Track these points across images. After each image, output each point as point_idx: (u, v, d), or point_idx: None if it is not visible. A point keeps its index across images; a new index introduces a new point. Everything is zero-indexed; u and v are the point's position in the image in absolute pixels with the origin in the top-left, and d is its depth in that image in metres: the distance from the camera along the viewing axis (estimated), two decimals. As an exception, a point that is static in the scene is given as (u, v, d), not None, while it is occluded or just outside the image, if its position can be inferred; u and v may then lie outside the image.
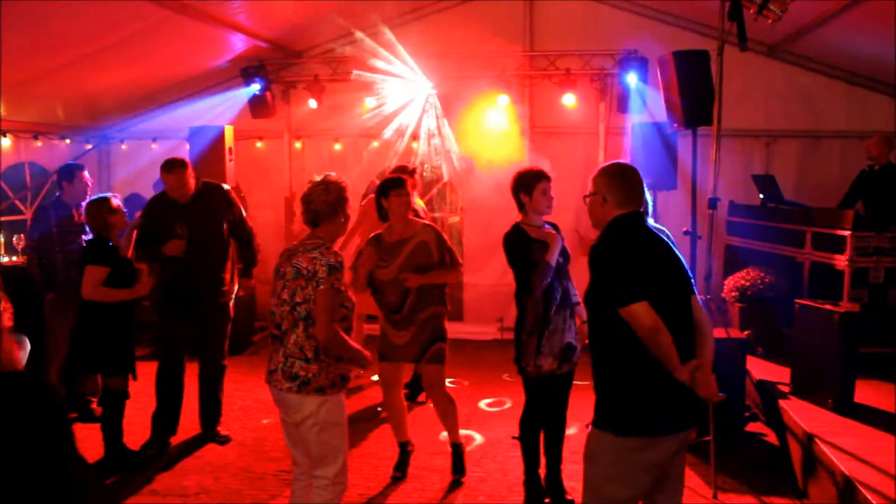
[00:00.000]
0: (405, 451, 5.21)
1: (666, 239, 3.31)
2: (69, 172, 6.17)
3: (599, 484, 3.12)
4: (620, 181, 3.22)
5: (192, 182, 5.46)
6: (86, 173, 6.20)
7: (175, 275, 5.51)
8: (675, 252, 3.23)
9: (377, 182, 6.92)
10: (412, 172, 6.71)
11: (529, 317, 4.43)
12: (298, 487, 3.90)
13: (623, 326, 2.96)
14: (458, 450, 5.16)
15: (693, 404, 3.10)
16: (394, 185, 4.91)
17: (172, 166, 5.39)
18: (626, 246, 3.10)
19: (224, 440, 5.74)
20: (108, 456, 5.17)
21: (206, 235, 5.48)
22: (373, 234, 5.04)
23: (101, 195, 5.16)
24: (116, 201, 5.10)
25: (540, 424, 4.65)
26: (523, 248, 4.39)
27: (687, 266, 3.30)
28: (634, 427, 2.99)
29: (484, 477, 5.17)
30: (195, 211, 5.47)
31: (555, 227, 4.55)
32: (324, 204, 3.72)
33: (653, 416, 2.99)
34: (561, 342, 4.42)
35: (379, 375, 5.16)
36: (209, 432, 5.76)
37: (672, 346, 2.92)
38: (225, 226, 5.63)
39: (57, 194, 6.30)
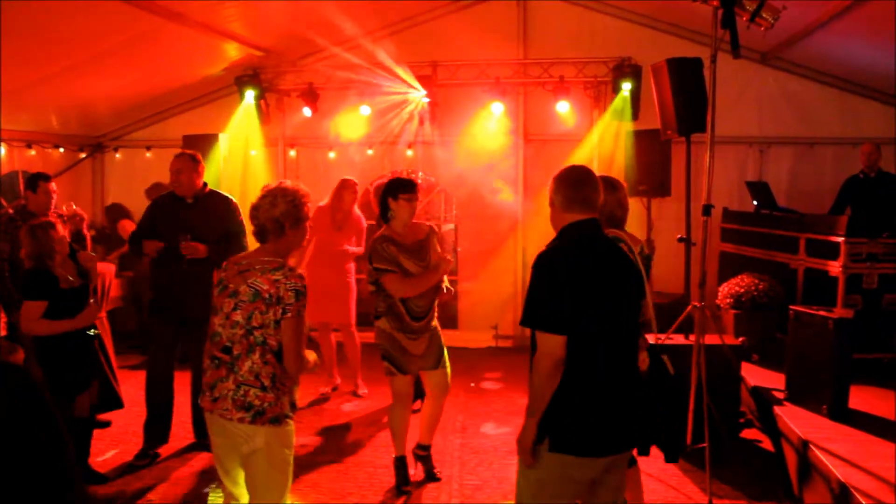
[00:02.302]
0: (405, 464, 5.12)
1: (625, 253, 3.17)
2: (32, 183, 5.96)
3: (527, 494, 3.07)
4: (566, 185, 3.10)
5: (196, 179, 5.45)
6: (52, 185, 5.97)
7: (163, 278, 5.46)
8: (628, 268, 3.10)
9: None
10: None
11: None
12: None
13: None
14: (429, 451, 5.26)
15: (632, 427, 3.05)
16: (404, 189, 4.81)
17: (182, 153, 5.51)
18: (560, 265, 2.93)
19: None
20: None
21: (198, 238, 5.36)
22: (382, 235, 4.83)
23: (47, 222, 4.80)
24: (59, 226, 4.80)
25: None
26: None
27: (643, 281, 3.18)
28: (565, 445, 2.92)
29: (479, 484, 5.16)
30: (194, 211, 5.44)
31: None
32: (269, 219, 3.37)
33: (584, 437, 2.93)
34: None
35: (396, 389, 4.96)
36: (202, 441, 5.73)
37: (548, 397, 2.88)
38: (220, 235, 5.48)
39: (23, 204, 6.12)
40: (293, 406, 3.48)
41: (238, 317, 3.33)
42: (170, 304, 5.50)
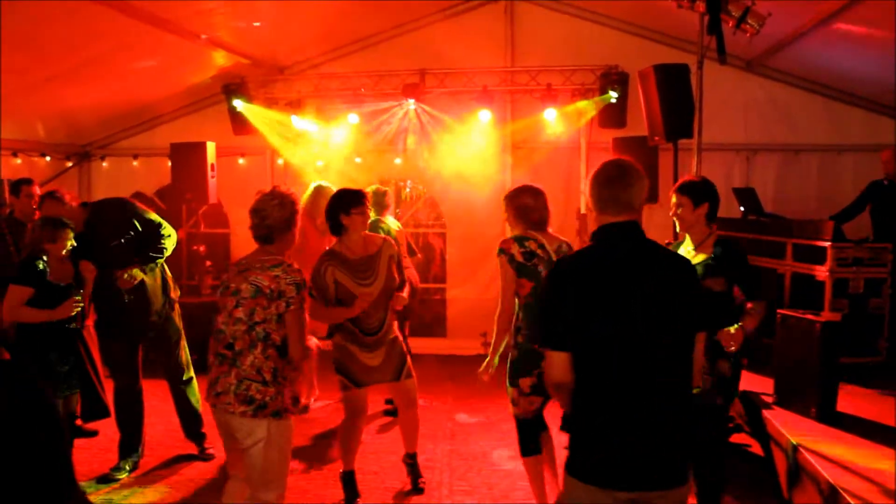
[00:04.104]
0: (354, 477, 4.97)
1: (672, 262, 2.77)
2: (15, 188, 6.05)
3: None
4: (597, 184, 2.81)
5: (73, 213, 5.15)
6: (34, 188, 6.01)
7: (111, 307, 5.37)
8: (666, 278, 2.66)
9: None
10: (383, 194, 6.71)
11: None
12: (233, 488, 3.86)
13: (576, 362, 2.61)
14: (416, 458, 5.21)
15: (658, 466, 2.61)
16: (355, 202, 4.64)
17: (45, 199, 5.24)
18: (564, 277, 2.68)
19: (208, 457, 5.67)
20: None
21: (109, 261, 5.18)
22: (327, 251, 4.77)
23: (54, 219, 4.88)
24: (66, 232, 4.84)
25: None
26: None
27: (693, 298, 2.72)
28: (583, 472, 2.61)
29: (469, 490, 5.15)
30: (88, 240, 5.15)
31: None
32: (279, 220, 3.66)
33: (604, 464, 2.58)
34: None
35: (348, 402, 4.84)
36: (199, 449, 5.71)
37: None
38: (129, 237, 5.26)
39: (9, 212, 6.19)
40: (296, 401, 3.71)
41: (240, 314, 3.53)
42: (126, 329, 5.41)
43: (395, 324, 4.93)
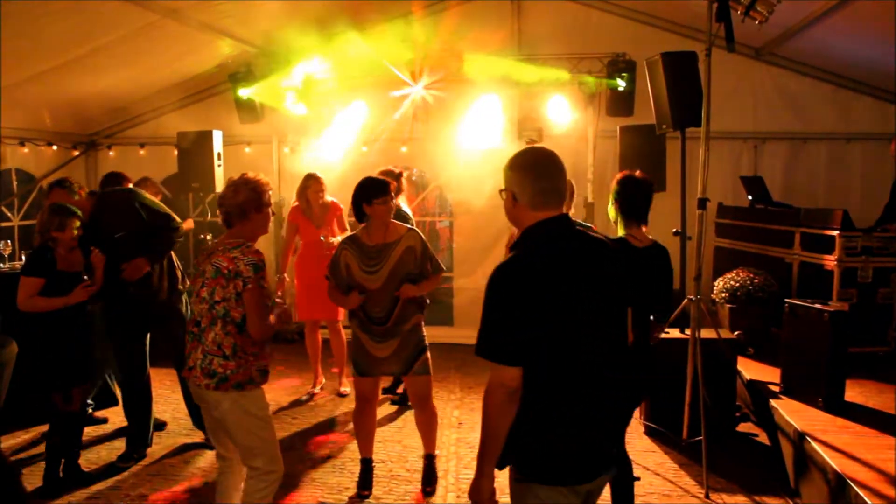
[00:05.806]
0: (370, 467, 5.01)
1: (609, 253, 2.64)
2: (114, 179, 5.83)
3: None
4: (532, 175, 2.57)
5: (81, 202, 5.20)
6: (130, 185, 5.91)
7: (116, 305, 5.41)
8: (611, 271, 2.59)
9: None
10: (398, 176, 6.57)
11: None
12: (224, 479, 4.02)
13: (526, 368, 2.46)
14: (432, 461, 5.10)
15: (608, 453, 2.65)
16: (378, 192, 4.58)
17: (51, 190, 5.30)
18: (519, 282, 2.43)
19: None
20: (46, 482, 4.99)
21: (113, 253, 5.17)
22: (348, 236, 4.78)
23: (62, 207, 4.87)
24: (73, 221, 4.84)
25: None
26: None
27: (631, 286, 2.79)
28: (547, 474, 2.52)
29: (476, 479, 5.15)
30: (94, 226, 5.19)
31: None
32: (233, 206, 3.77)
33: (572, 462, 2.52)
34: None
35: (356, 390, 4.88)
36: (206, 437, 5.71)
37: (502, 435, 2.48)
38: (137, 226, 5.29)
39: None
40: (263, 374, 3.82)
41: (204, 293, 3.72)
42: (129, 321, 5.44)
43: (418, 318, 4.80)
